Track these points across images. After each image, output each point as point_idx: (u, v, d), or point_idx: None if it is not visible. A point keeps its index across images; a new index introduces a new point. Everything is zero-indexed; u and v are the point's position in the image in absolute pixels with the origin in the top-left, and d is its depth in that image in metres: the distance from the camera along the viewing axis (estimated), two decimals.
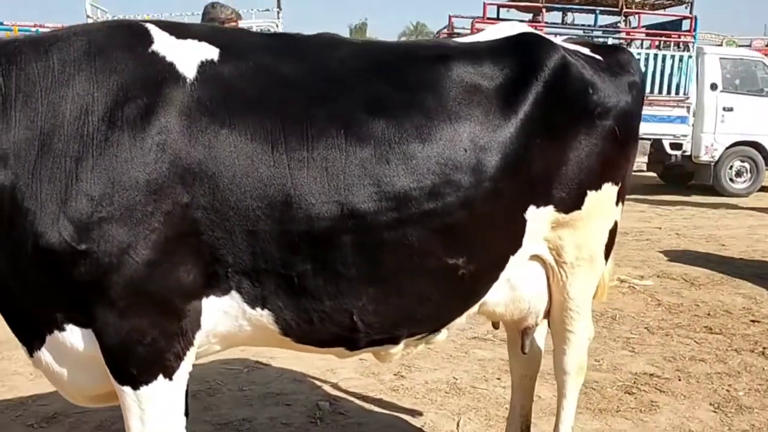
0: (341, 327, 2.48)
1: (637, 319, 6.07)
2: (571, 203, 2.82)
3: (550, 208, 2.78)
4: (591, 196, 2.86)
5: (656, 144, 13.54)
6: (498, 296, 2.92)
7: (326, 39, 2.66)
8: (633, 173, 12.02)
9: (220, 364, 4.82)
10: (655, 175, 15.51)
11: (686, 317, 6.12)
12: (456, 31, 14.46)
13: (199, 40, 2.39)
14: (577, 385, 3.25)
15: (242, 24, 17.29)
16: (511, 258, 2.74)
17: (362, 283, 2.41)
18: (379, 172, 2.37)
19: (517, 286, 2.94)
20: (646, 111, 12.10)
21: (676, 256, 8.48)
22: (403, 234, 2.41)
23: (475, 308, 2.89)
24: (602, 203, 2.93)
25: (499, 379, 4.76)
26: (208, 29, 2.48)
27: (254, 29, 16.22)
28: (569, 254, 2.93)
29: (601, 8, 14.24)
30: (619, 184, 2.99)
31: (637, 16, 15.27)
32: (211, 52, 2.36)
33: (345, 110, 2.40)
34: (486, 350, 5.29)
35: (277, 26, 16.67)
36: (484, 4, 13.30)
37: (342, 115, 2.38)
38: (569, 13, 14.98)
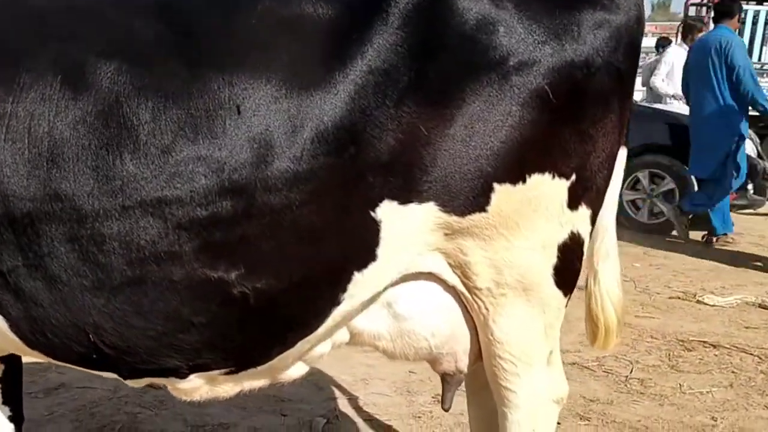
0: (82, 347, 1.84)
1: None
2: (467, 201, 1.87)
3: (431, 207, 1.86)
4: (504, 192, 1.88)
5: None
6: (376, 326, 2.07)
7: None
8: None
9: None
10: None
11: None
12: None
13: None
14: None
15: None
16: (357, 275, 1.87)
17: (87, 293, 1.75)
18: (95, 137, 1.68)
19: (406, 316, 2.06)
20: None
21: None
22: (131, 229, 1.70)
23: (339, 337, 2.08)
24: (534, 204, 1.92)
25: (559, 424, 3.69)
26: None
27: None
28: (483, 278, 1.98)
29: None
30: (573, 177, 1.95)
31: None
32: None
33: (77, 52, 1.73)
34: (574, 382, 4.19)
35: None
36: None
37: (70, 57, 1.73)
38: None
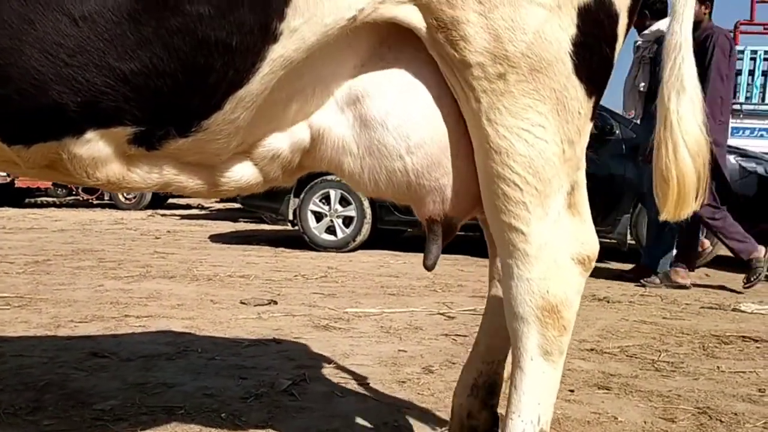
0: None
1: None
2: None
3: None
4: None
5: None
6: (341, 130, 1.59)
7: None
8: None
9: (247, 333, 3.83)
10: None
11: None
12: None
13: None
14: (540, 344, 1.64)
15: None
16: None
17: None
18: None
19: (377, 121, 1.58)
20: None
21: None
22: None
23: (297, 133, 1.59)
24: None
25: (572, 392, 3.06)
26: None
27: None
28: (475, 45, 1.50)
29: None
30: None
31: None
32: None
33: None
34: (590, 362, 3.56)
35: None
36: None
37: None
38: None
